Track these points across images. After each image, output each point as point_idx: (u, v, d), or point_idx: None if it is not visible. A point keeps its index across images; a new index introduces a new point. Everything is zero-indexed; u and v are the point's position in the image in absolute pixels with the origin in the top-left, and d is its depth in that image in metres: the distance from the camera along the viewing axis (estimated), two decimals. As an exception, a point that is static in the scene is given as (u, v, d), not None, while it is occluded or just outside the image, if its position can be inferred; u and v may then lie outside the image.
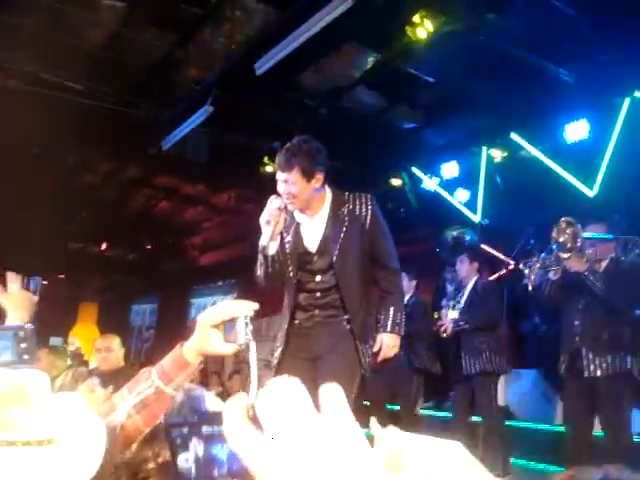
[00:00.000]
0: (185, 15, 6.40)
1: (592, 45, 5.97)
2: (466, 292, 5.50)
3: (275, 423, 0.45)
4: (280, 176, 2.90)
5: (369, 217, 3.02)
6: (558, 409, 5.67)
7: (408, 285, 5.83)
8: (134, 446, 1.26)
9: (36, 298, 2.18)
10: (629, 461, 3.55)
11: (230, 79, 6.92)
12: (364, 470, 0.42)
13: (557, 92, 6.57)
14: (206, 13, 6.46)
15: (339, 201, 3.05)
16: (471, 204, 8.26)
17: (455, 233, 8.20)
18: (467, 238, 8.05)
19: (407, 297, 5.68)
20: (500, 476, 4.80)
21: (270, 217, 2.83)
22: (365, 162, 8.82)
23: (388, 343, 3.04)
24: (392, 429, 0.48)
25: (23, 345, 1.02)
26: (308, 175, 2.87)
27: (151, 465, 1.28)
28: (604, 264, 4.08)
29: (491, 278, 6.40)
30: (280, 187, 2.90)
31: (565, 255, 3.88)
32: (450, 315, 5.43)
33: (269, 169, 8.52)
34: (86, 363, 7.65)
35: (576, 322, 4.05)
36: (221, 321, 1.29)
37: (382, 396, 6.02)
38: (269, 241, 2.84)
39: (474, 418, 5.47)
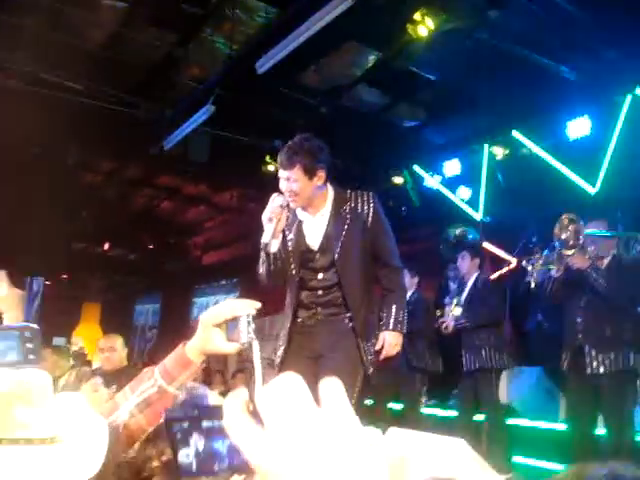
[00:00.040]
0: (185, 15, 6.40)
1: (593, 42, 5.97)
2: (467, 289, 5.51)
3: (275, 417, 0.45)
4: (282, 174, 2.91)
5: (371, 215, 3.02)
6: (561, 406, 5.67)
7: (410, 282, 5.83)
8: (137, 445, 1.26)
9: (23, 293, 2.18)
10: (632, 458, 3.55)
11: (231, 78, 6.92)
12: (365, 465, 0.42)
13: (558, 89, 6.56)
14: (206, 13, 6.47)
15: (341, 199, 3.06)
16: (473, 202, 8.25)
17: (457, 231, 8.20)
18: (469, 236, 8.05)
19: (409, 294, 5.68)
20: (503, 473, 4.80)
21: (272, 215, 2.84)
22: (366, 160, 8.82)
23: (390, 341, 3.04)
24: (395, 428, 0.48)
25: (29, 345, 1.02)
26: (310, 173, 2.88)
27: (155, 463, 1.28)
28: (606, 261, 4.08)
29: (493, 276, 6.40)
30: (282, 185, 2.91)
31: (568, 252, 3.88)
32: (453, 312, 5.44)
33: (271, 168, 8.52)
34: (89, 363, 7.65)
35: (578, 319, 4.05)
36: (223, 320, 1.29)
37: (385, 395, 6.02)
38: (271, 238, 2.85)
39: (478, 417, 5.47)
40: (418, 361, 5.94)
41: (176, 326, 13.19)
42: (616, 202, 6.04)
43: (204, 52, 7.12)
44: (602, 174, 6.66)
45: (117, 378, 3.80)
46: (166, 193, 11.64)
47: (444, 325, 5.48)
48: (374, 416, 5.90)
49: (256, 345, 1.24)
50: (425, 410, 6.62)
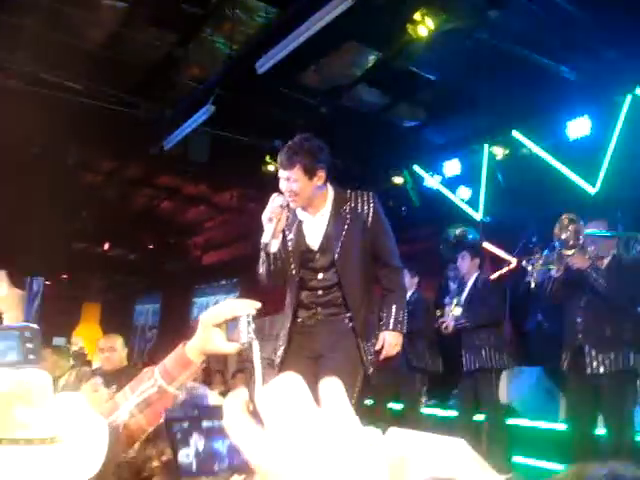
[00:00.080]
0: (185, 15, 6.40)
1: (593, 42, 5.97)
2: (467, 289, 5.51)
3: (275, 417, 0.45)
4: (282, 174, 2.92)
5: (371, 215, 3.03)
6: (561, 406, 5.67)
7: (410, 282, 5.82)
8: (137, 445, 1.26)
9: (23, 293, 2.18)
10: (632, 457, 3.55)
11: (231, 78, 6.92)
12: (365, 465, 0.42)
13: (558, 89, 6.56)
14: (206, 13, 6.46)
15: (341, 199, 3.06)
16: (473, 202, 8.25)
17: (457, 231, 8.20)
18: (469, 236, 8.05)
19: (409, 294, 5.68)
20: (503, 473, 4.80)
21: (272, 214, 2.85)
22: (366, 160, 8.82)
23: (390, 341, 3.04)
24: (394, 428, 0.48)
25: (29, 345, 1.02)
26: (310, 173, 2.88)
27: (155, 464, 1.29)
28: (606, 261, 4.08)
29: (493, 276, 6.40)
30: (282, 185, 2.92)
31: (568, 252, 3.88)
32: (453, 312, 5.45)
33: (271, 168, 8.52)
34: (89, 363, 7.65)
35: (578, 319, 4.05)
36: (223, 320, 1.29)
37: (385, 395, 6.02)
38: (271, 238, 2.85)
39: (478, 417, 5.47)
40: (418, 361, 5.94)
41: (176, 326, 13.19)
42: (616, 202, 6.03)
43: (204, 52, 7.12)
44: (602, 174, 6.67)
45: (117, 378, 3.80)
46: (166, 193, 11.64)
47: (444, 325, 5.48)
48: (374, 416, 5.90)
49: (256, 345, 1.24)
50: (425, 410, 6.62)
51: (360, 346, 2.96)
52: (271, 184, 3.05)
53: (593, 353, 3.93)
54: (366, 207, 3.03)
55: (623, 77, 6.28)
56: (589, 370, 3.92)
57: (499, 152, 7.77)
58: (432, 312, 6.13)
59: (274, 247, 2.92)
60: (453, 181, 8.47)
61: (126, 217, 12.32)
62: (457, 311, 5.42)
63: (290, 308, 3.08)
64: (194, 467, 0.80)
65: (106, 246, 13.82)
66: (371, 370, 2.99)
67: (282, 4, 6.06)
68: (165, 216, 12.76)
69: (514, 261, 6.85)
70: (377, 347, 3.02)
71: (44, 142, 8.52)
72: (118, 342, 4.69)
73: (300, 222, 3.08)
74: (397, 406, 6.30)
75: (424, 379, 6.21)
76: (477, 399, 5.30)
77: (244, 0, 6.27)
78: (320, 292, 3.03)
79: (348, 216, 3.02)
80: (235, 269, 12.24)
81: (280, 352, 3.08)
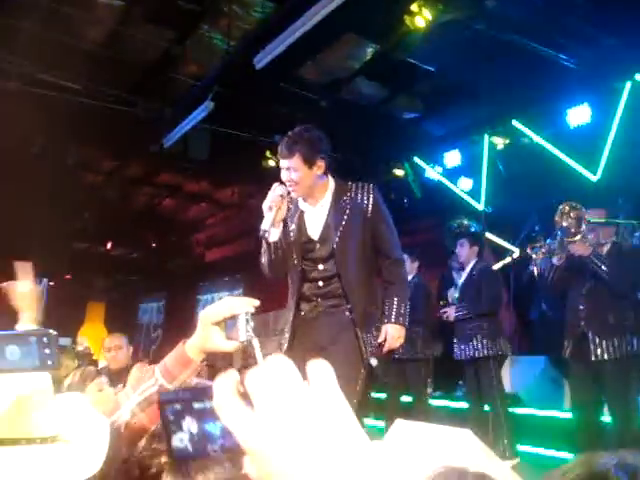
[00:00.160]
0: (182, 11, 6.38)
1: (592, 29, 5.94)
2: (464, 274, 5.52)
3: (265, 399, 0.45)
4: (283, 163, 2.94)
5: (371, 205, 3.03)
6: (566, 395, 5.67)
7: (410, 267, 5.78)
8: (143, 441, 1.26)
9: (42, 290, 2.17)
10: (638, 444, 3.55)
11: (230, 74, 6.91)
12: (352, 446, 0.43)
13: (558, 77, 6.54)
14: (203, 9, 6.44)
15: (341, 190, 3.07)
16: (474, 192, 8.25)
17: (460, 222, 8.19)
18: (472, 228, 8.04)
19: (409, 278, 5.68)
20: (508, 459, 4.79)
21: (272, 203, 2.86)
22: (367, 153, 8.81)
23: (393, 334, 3.03)
24: (401, 420, 0.48)
25: (47, 351, 1.03)
26: (309, 162, 2.90)
27: (163, 459, 1.29)
28: (606, 248, 4.08)
29: (496, 266, 6.39)
30: (283, 174, 2.94)
31: (572, 239, 3.88)
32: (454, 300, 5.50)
33: (271, 163, 8.53)
34: (95, 362, 7.67)
35: (581, 306, 4.05)
36: (222, 318, 1.29)
37: (398, 389, 5.99)
38: (270, 226, 2.87)
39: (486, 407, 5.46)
40: (413, 349, 5.90)
41: (181, 323, 13.20)
42: (617, 190, 6.03)
43: (202, 49, 7.10)
44: (603, 162, 6.66)
45: (123, 377, 3.81)
46: (167, 191, 11.65)
47: (445, 315, 5.50)
48: (386, 410, 5.90)
49: (256, 342, 1.24)
50: (434, 402, 6.61)
51: (359, 337, 2.95)
52: (272, 179, 3.05)
53: (597, 340, 3.93)
54: (366, 198, 3.03)
55: (622, 64, 6.26)
56: (593, 357, 3.92)
57: (499, 142, 7.76)
58: (432, 298, 6.14)
59: (274, 236, 2.93)
60: (454, 172, 8.46)
61: (128, 216, 12.33)
62: (456, 296, 5.50)
63: (293, 301, 3.09)
64: (189, 450, 0.80)
65: (109, 245, 13.83)
66: (373, 361, 2.98)
67: (279, -2, 6.05)
68: (167, 214, 12.77)
69: (517, 251, 6.84)
70: (380, 340, 3.02)
71: (44, 142, 8.52)
72: (123, 340, 4.72)
73: (302, 213, 3.09)
74: (408, 399, 6.27)
75: (428, 369, 6.18)
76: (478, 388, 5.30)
77: (240, -5, 6.26)
78: (321, 283, 3.03)
79: (348, 206, 3.02)
80: (238, 265, 12.24)
81: (284, 345, 3.08)
